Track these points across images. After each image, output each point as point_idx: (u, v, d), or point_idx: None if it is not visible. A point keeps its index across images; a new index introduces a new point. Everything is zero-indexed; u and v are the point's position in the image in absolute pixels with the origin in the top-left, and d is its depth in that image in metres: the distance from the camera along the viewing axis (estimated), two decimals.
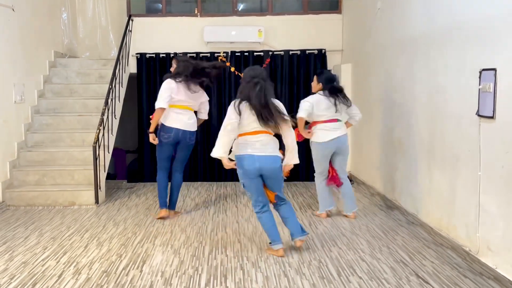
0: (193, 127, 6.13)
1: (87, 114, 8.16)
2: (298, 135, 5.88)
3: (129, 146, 11.40)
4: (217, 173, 8.90)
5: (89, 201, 6.94)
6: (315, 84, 6.11)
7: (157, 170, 6.24)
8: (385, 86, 6.97)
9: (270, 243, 4.98)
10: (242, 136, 4.81)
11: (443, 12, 5.21)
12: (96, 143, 6.91)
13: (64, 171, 7.26)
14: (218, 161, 9.00)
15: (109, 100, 7.54)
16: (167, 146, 6.07)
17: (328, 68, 9.00)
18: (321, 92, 6.01)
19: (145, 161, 8.96)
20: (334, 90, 5.98)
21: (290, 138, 4.82)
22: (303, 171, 8.75)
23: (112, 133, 7.72)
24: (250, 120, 4.71)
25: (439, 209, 5.34)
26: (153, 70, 8.92)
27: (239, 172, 4.86)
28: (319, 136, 6.00)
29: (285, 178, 5.03)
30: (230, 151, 4.88)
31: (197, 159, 8.97)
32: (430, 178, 5.56)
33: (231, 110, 4.72)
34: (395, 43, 6.58)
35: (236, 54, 8.90)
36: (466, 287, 4.09)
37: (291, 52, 8.91)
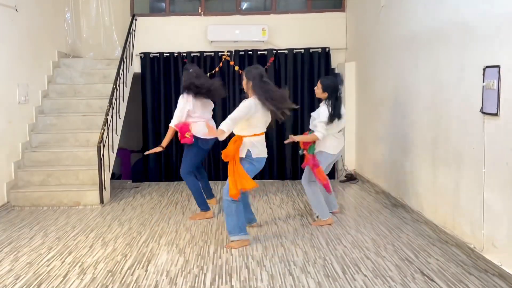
0: None
1: (91, 114, 8.18)
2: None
3: (134, 146, 11.41)
4: (222, 172, 8.91)
5: (94, 201, 6.95)
6: (320, 92, 5.85)
7: (188, 175, 6.26)
8: (389, 84, 6.96)
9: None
10: (257, 136, 5.09)
11: (447, 9, 5.20)
12: (101, 143, 6.92)
13: (68, 171, 7.27)
14: (223, 161, 9.03)
15: (113, 100, 7.55)
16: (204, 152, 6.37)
17: (332, 67, 8.99)
18: (326, 101, 5.81)
19: (149, 160, 8.96)
20: (338, 100, 5.82)
21: None
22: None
23: (116, 133, 7.74)
24: (263, 120, 5.07)
25: (444, 207, 5.33)
26: (157, 69, 8.92)
27: (248, 168, 5.05)
28: (331, 146, 5.89)
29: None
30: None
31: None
32: (434, 175, 5.55)
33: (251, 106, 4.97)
34: (399, 40, 6.57)
35: (240, 53, 8.90)
36: (471, 284, 4.08)
37: (295, 51, 8.89)
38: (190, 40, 9.04)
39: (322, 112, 5.75)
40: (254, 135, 5.04)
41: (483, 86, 4.43)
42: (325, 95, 5.81)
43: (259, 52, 8.87)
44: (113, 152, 7.55)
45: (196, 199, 6.32)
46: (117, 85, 7.75)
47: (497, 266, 4.25)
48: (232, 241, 5.12)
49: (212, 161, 8.91)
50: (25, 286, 4.18)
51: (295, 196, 7.36)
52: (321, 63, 8.88)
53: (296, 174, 8.80)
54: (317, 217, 5.97)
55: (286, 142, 6.04)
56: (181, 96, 6.15)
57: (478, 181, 4.58)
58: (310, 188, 5.91)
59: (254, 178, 5.06)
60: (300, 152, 6.04)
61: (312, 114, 5.92)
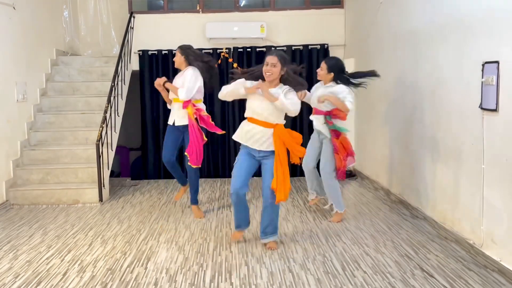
0: None
1: (90, 112, 8.17)
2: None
3: (133, 143, 11.40)
4: (221, 169, 8.91)
5: (93, 199, 6.95)
6: (324, 73, 5.76)
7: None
8: (388, 80, 6.95)
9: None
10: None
11: (446, 5, 5.19)
12: (99, 141, 6.92)
13: (67, 169, 7.26)
14: (222, 158, 8.98)
15: (112, 98, 7.53)
16: None
17: None
18: (333, 83, 5.75)
19: (148, 158, 8.95)
20: (348, 82, 5.77)
21: None
22: None
23: (115, 131, 7.73)
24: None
25: (443, 203, 5.33)
26: (155, 67, 8.90)
27: None
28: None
29: None
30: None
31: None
32: (434, 171, 5.54)
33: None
34: (398, 37, 6.56)
35: (239, 50, 8.89)
36: (471, 280, 4.08)
37: (293, 47, 8.89)
38: (189, 38, 8.94)
39: (344, 89, 5.64)
40: None
41: (482, 82, 4.42)
42: (331, 76, 5.74)
43: (257, 49, 8.85)
44: (112, 150, 7.54)
45: (194, 191, 6.26)
46: (116, 82, 7.74)
47: (497, 261, 4.25)
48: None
49: (211, 158, 8.90)
50: (24, 284, 4.17)
51: (294, 193, 7.35)
52: (319, 60, 8.85)
53: (295, 171, 8.79)
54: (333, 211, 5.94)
55: (320, 101, 5.58)
56: (191, 69, 5.91)
57: (477, 177, 4.57)
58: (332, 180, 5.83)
59: (254, 175, 5.09)
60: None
61: (332, 90, 5.69)
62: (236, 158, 4.99)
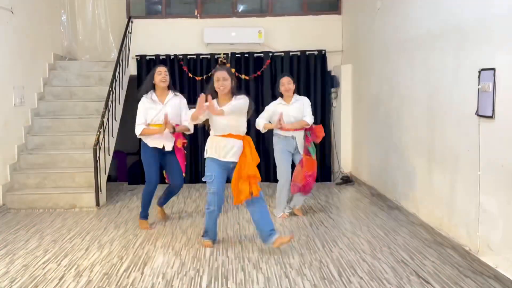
0: None
1: (87, 117, 8.17)
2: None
3: (130, 148, 11.39)
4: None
5: (90, 204, 6.94)
6: (293, 86, 6.09)
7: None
8: (385, 87, 6.97)
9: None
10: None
11: (442, 12, 5.22)
12: (97, 145, 6.92)
13: (64, 174, 7.26)
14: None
15: (109, 102, 7.54)
16: None
17: (328, 69, 9.01)
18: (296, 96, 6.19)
19: None
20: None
21: None
22: None
23: (112, 136, 7.73)
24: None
25: (440, 209, 5.34)
26: None
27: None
28: None
29: None
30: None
31: (198, 162, 8.97)
32: (430, 177, 5.56)
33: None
34: (395, 43, 6.58)
35: (236, 55, 8.91)
36: (467, 286, 4.09)
37: (291, 53, 8.92)
38: (187, 43, 9.05)
39: (307, 102, 6.12)
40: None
41: (478, 89, 4.44)
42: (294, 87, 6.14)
43: (255, 55, 8.88)
44: (109, 155, 7.54)
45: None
46: (113, 87, 7.75)
47: (493, 268, 4.26)
48: None
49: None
50: None
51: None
52: (317, 66, 8.90)
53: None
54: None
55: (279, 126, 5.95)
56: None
57: (473, 183, 4.59)
58: None
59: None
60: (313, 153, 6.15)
61: (304, 102, 6.12)
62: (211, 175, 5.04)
